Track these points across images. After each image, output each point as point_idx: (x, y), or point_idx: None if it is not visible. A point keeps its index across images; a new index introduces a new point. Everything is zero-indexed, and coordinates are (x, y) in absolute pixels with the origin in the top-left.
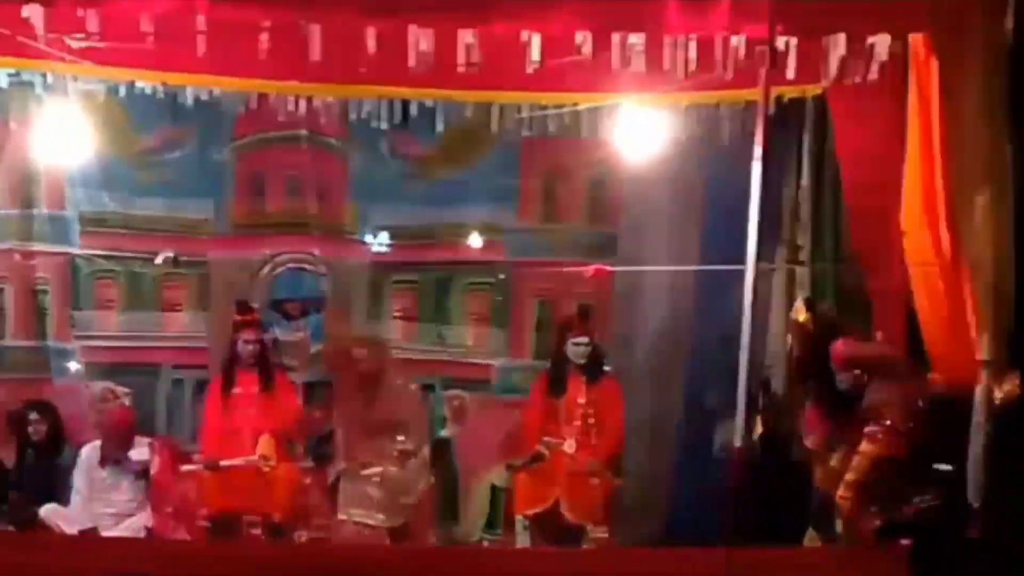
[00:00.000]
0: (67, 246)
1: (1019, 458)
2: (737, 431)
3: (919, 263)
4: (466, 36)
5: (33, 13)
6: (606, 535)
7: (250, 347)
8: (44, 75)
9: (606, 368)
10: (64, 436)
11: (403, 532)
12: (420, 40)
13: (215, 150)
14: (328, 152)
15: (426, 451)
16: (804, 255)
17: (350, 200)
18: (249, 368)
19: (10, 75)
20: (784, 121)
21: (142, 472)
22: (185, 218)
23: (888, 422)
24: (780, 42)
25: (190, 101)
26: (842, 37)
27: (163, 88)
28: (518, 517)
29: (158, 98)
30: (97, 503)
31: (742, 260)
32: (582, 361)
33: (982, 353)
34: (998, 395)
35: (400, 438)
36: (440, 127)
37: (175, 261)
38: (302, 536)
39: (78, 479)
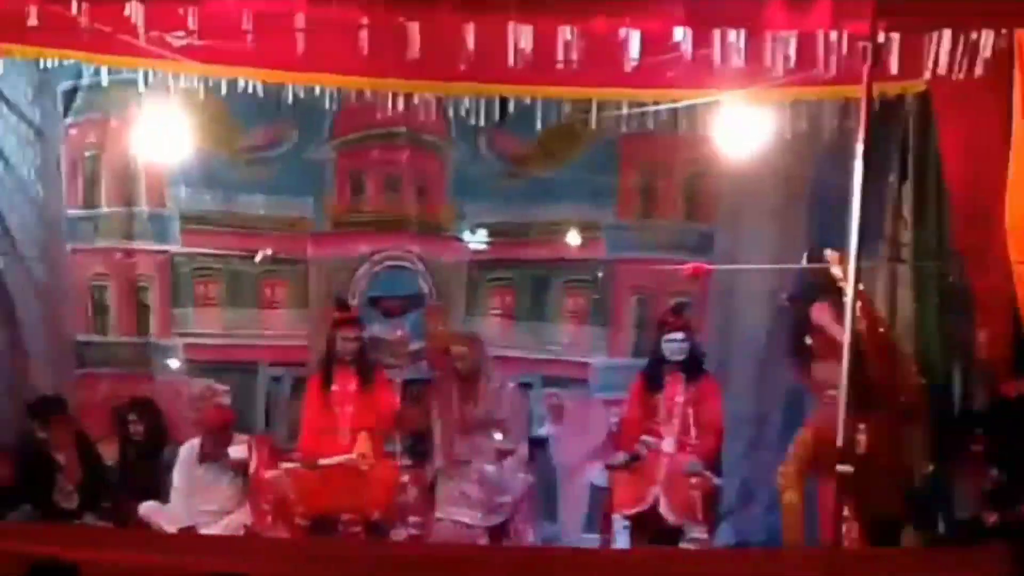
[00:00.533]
0: (167, 243)
1: None
2: (839, 429)
3: (1023, 261)
4: (565, 33)
5: (135, 11)
6: (705, 535)
7: (349, 345)
8: (145, 73)
9: (704, 366)
10: (165, 434)
11: (501, 531)
12: (519, 37)
13: (314, 148)
14: (427, 150)
15: (524, 449)
16: (906, 252)
17: (448, 198)
18: (348, 366)
19: (111, 73)
20: (887, 118)
21: (241, 470)
22: (285, 216)
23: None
24: (882, 38)
25: (290, 99)
26: (946, 33)
27: (263, 86)
28: (616, 516)
29: (258, 96)
30: (196, 501)
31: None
32: (678, 358)
33: None
34: None
35: (498, 436)
36: (538, 124)
37: (274, 259)
38: (400, 534)
39: (177, 477)
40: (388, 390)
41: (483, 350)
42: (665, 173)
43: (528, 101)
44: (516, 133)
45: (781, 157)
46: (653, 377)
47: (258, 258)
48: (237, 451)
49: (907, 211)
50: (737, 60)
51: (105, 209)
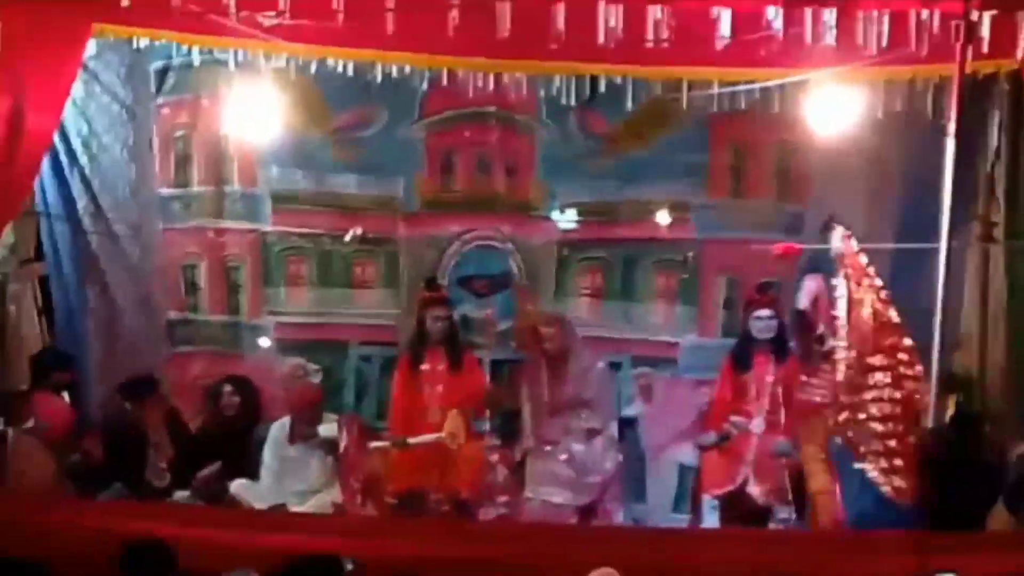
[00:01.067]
0: (259, 223)
1: None
2: (929, 411)
3: None
4: (655, 12)
5: None
6: (794, 516)
7: (439, 324)
8: (236, 53)
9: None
10: (259, 411)
11: (590, 510)
12: (609, 16)
13: (405, 128)
14: (516, 129)
15: (613, 429)
16: (998, 232)
17: (538, 177)
18: (437, 345)
19: (203, 53)
20: (979, 97)
21: (330, 449)
22: (375, 195)
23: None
24: (975, 16)
25: (379, 79)
26: None
27: (353, 66)
28: (705, 496)
29: (348, 76)
30: (286, 479)
31: (936, 238)
32: (766, 336)
33: None
34: None
35: (587, 416)
36: (629, 103)
37: (364, 238)
38: (488, 513)
39: (268, 455)
40: (477, 370)
41: (572, 330)
42: (756, 153)
43: (618, 80)
44: (606, 112)
45: (872, 137)
46: (742, 356)
47: (348, 237)
48: (327, 430)
49: (999, 191)
50: (829, 39)
51: (196, 188)
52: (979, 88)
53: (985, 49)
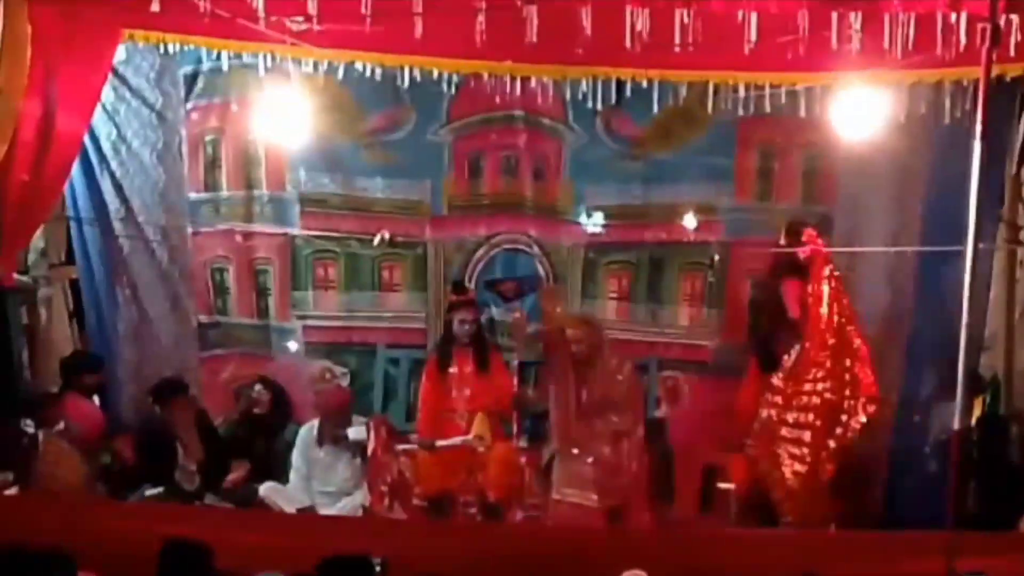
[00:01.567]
0: (287, 227)
1: None
2: (956, 413)
3: None
4: (682, 15)
5: None
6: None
7: (466, 327)
8: (265, 57)
9: None
10: (288, 411)
11: (618, 512)
12: (636, 19)
13: (432, 131)
14: (544, 133)
15: (640, 432)
16: None
17: (565, 180)
18: (465, 348)
19: (232, 57)
20: (1006, 100)
21: (359, 451)
22: (403, 199)
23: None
24: (1002, 19)
25: (407, 83)
26: None
27: (381, 70)
28: (733, 498)
29: (376, 80)
30: (315, 482)
31: (962, 240)
32: None
33: None
34: None
35: (614, 418)
36: (656, 107)
37: (392, 242)
38: (517, 515)
39: (296, 458)
40: (505, 372)
41: (600, 333)
42: (783, 156)
43: (645, 84)
44: (633, 116)
45: (899, 139)
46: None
47: (376, 241)
48: (356, 432)
49: None
50: (855, 42)
51: (226, 192)
52: (1005, 90)
53: (1012, 52)
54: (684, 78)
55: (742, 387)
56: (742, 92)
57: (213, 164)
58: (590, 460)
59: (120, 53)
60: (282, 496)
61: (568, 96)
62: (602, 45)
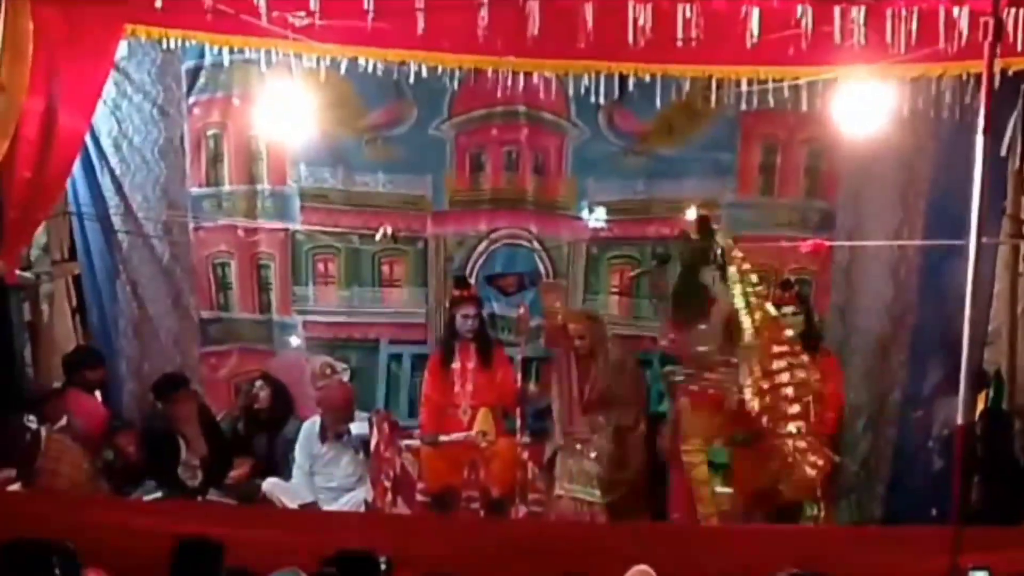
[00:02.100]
0: (288, 222)
1: None
2: (960, 408)
3: None
4: (685, 10)
5: None
6: (824, 513)
7: (468, 322)
8: (267, 53)
9: (822, 343)
10: (290, 406)
11: (620, 507)
12: (639, 14)
13: (434, 126)
14: (546, 128)
15: (643, 427)
16: None
17: (568, 176)
18: (467, 343)
19: (234, 53)
20: (1009, 94)
21: (362, 447)
22: (404, 194)
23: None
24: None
25: (410, 78)
26: None
27: (383, 66)
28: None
29: (378, 76)
30: (318, 478)
31: (965, 234)
32: (792, 332)
33: None
34: None
35: (616, 413)
36: (658, 102)
37: (394, 237)
38: (519, 511)
39: (299, 454)
40: (508, 367)
41: (602, 328)
42: (786, 150)
43: (647, 79)
44: (636, 111)
45: (902, 134)
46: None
47: (378, 236)
48: (358, 428)
49: None
50: (858, 37)
51: (227, 187)
52: (1008, 84)
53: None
54: (686, 73)
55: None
56: (744, 87)
57: (215, 159)
58: (593, 455)
59: (122, 49)
60: (285, 492)
61: (570, 91)
62: (604, 40)
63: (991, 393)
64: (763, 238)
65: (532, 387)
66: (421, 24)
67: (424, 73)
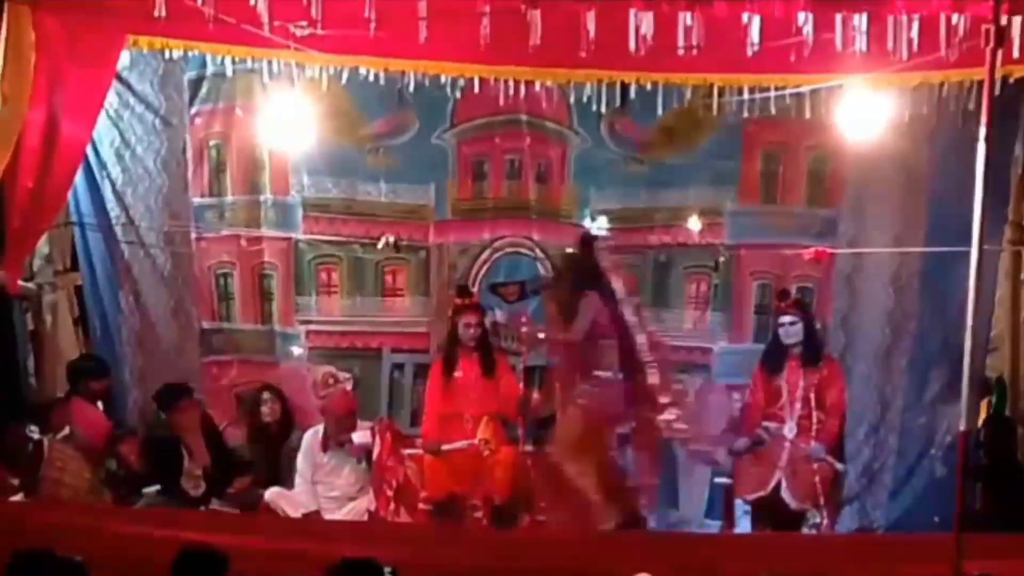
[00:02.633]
0: (291, 231)
1: None
2: (962, 414)
3: None
4: (686, 18)
5: (259, 2)
6: (827, 520)
7: (471, 331)
8: (269, 63)
9: (824, 350)
10: (293, 419)
11: (624, 516)
12: (640, 23)
13: (436, 135)
14: (548, 136)
15: (647, 435)
16: None
17: (570, 184)
18: (470, 352)
19: (236, 63)
20: (1010, 101)
21: (364, 456)
22: (407, 203)
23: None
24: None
25: (412, 87)
26: None
27: (385, 75)
28: (738, 502)
29: (380, 85)
30: (320, 487)
31: (967, 241)
32: (790, 341)
33: None
34: None
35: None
36: (660, 110)
37: (396, 246)
38: (523, 519)
39: (301, 463)
40: (510, 376)
41: None
42: (788, 158)
43: (649, 87)
44: (638, 119)
45: (904, 141)
46: (773, 362)
47: (380, 245)
48: (361, 437)
49: None
50: (859, 44)
51: (230, 197)
52: (1010, 91)
53: (1016, 53)
54: (688, 81)
55: (748, 390)
56: (746, 95)
57: (217, 169)
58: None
59: (124, 59)
60: (288, 501)
61: (572, 100)
62: (606, 48)
63: (994, 400)
64: (765, 246)
65: (535, 395)
66: (423, 33)
67: (426, 82)
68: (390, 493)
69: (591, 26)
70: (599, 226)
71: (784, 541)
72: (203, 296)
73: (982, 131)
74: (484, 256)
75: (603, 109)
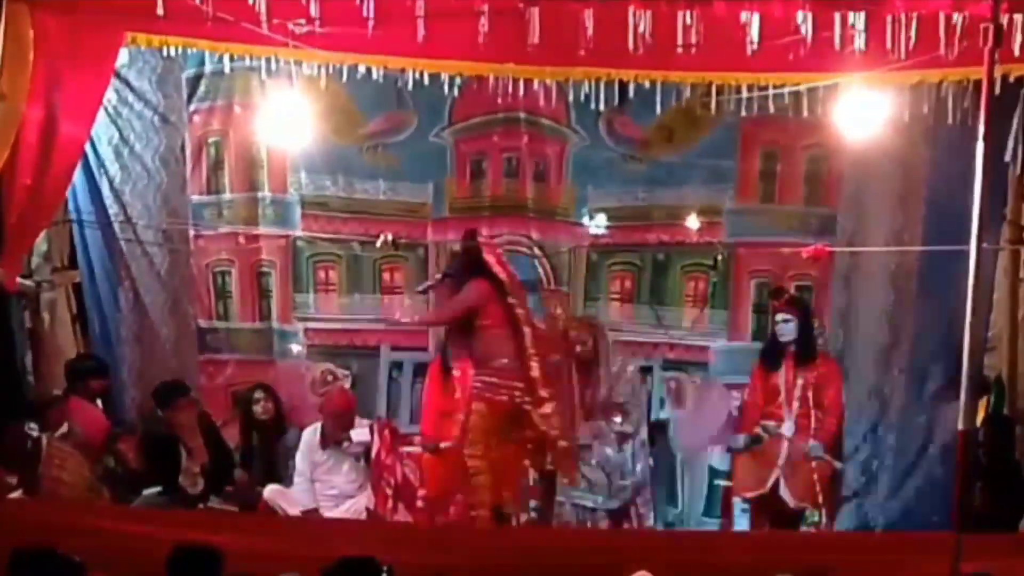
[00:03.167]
0: (289, 229)
1: None
2: (961, 413)
3: None
4: (685, 17)
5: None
6: (826, 519)
7: None
8: (268, 60)
9: (820, 348)
10: (286, 417)
11: (621, 514)
12: (639, 21)
13: (435, 133)
14: (546, 134)
15: (644, 433)
16: None
17: (568, 182)
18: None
19: (234, 60)
20: (1009, 99)
21: (363, 454)
22: (405, 201)
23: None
24: (1004, 20)
25: (410, 85)
26: None
27: (384, 73)
28: (736, 500)
29: (379, 83)
30: (319, 485)
31: (965, 240)
32: (786, 339)
33: None
34: None
35: (618, 420)
36: (658, 108)
37: (394, 244)
38: (521, 518)
39: (300, 461)
40: None
41: (603, 334)
42: (786, 157)
43: (648, 85)
44: (636, 118)
45: (902, 140)
46: (766, 359)
47: (379, 243)
48: (359, 435)
49: None
50: (858, 43)
51: (228, 195)
52: (1009, 90)
53: (1015, 52)
54: (687, 79)
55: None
56: (745, 93)
57: (216, 167)
58: (594, 462)
59: (123, 56)
60: (286, 499)
61: (571, 98)
62: (604, 47)
63: (992, 399)
64: (763, 244)
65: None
66: (421, 31)
67: (425, 80)
68: (388, 491)
69: (590, 24)
70: (597, 224)
71: (782, 539)
72: (201, 294)
73: (980, 130)
74: None
75: (601, 107)
